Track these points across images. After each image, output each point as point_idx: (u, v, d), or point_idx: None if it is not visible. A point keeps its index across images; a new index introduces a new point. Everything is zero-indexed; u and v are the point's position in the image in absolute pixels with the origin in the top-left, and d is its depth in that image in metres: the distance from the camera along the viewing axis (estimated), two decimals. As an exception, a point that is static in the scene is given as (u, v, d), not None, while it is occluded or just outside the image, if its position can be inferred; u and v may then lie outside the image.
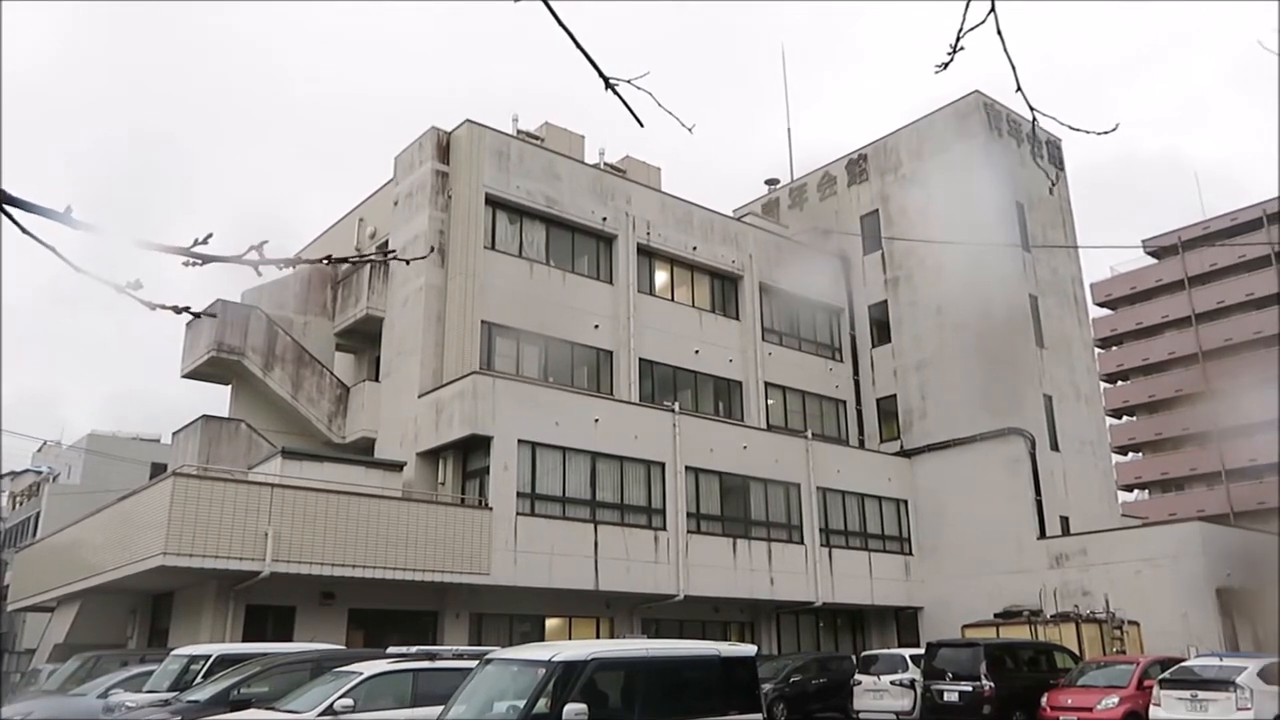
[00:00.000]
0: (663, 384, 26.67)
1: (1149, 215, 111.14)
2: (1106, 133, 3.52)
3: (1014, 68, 3.18)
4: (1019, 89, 3.24)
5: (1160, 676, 15.61)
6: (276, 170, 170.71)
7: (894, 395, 30.91)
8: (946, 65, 3.13)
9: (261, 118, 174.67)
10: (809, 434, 27.78)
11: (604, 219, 26.33)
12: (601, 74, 3.18)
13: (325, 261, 2.90)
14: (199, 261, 2.46)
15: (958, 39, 2.99)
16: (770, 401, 29.25)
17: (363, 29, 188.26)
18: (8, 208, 2.22)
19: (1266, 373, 47.12)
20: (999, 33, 2.99)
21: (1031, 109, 3.29)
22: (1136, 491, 58.79)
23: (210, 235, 2.46)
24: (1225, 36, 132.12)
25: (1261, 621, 23.36)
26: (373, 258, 3.42)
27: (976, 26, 3.01)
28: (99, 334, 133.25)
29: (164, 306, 2.48)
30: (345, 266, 26.01)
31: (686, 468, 23.76)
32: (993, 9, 3.01)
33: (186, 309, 2.55)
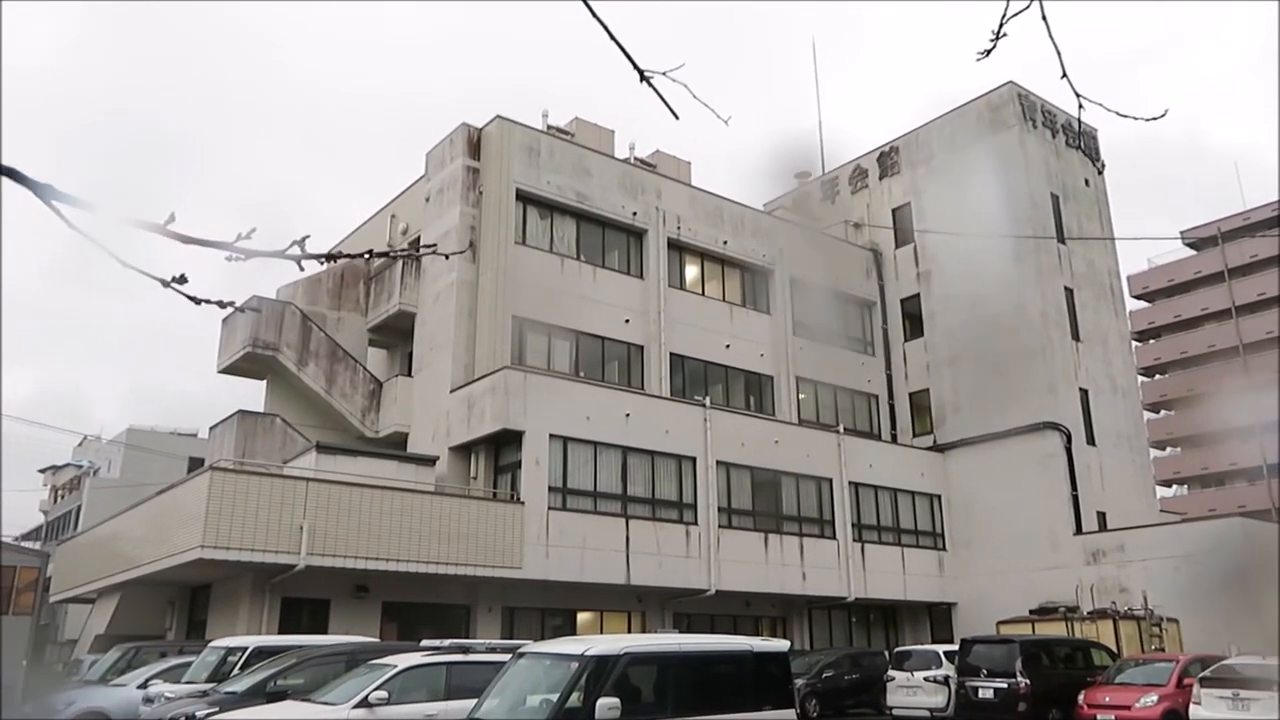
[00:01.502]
0: (693, 378, 26.63)
1: (1188, 206, 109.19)
2: (1155, 118, 3.45)
3: (1059, 52, 3.12)
4: (1064, 75, 3.18)
5: (1200, 675, 15.34)
6: (304, 172, 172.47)
7: (926, 389, 30.64)
8: (989, 52, 3.08)
9: (284, 122, 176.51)
10: (841, 428, 27.62)
11: (634, 214, 26.31)
12: (636, 66, 3.17)
13: (366, 256, 2.91)
14: (242, 256, 2.48)
15: (1001, 24, 2.94)
16: (802, 396, 29.12)
17: (387, 29, 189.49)
18: (54, 202, 2.25)
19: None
20: (1044, 17, 2.94)
21: (1077, 94, 3.23)
22: (1175, 486, 57.88)
23: (254, 230, 2.48)
24: (1268, 21, 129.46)
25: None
26: (410, 253, 3.44)
27: (1020, 12, 2.96)
28: (115, 327, 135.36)
29: (209, 301, 2.50)
30: (378, 262, 26.21)
31: (718, 462, 23.73)
32: (1037, -6, 2.96)
33: (231, 304, 2.57)
